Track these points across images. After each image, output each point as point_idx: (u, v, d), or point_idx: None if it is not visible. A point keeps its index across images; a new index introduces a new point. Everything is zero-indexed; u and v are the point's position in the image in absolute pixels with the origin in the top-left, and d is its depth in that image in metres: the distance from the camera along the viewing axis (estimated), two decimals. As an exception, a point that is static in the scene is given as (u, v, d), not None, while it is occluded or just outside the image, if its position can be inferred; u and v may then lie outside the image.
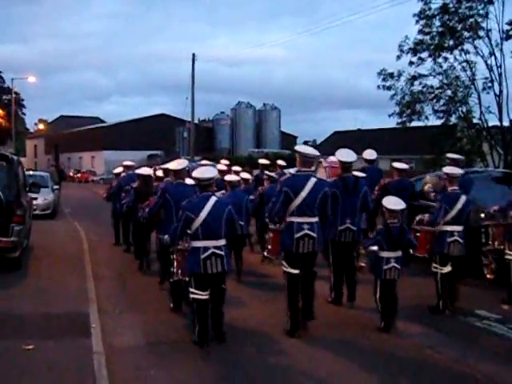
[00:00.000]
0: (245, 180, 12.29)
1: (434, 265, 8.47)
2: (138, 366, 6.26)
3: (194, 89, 43.67)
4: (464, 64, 26.33)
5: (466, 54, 26.19)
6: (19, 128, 66.12)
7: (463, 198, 8.37)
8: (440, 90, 26.95)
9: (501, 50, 25.55)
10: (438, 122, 27.90)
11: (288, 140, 69.04)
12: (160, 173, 11.16)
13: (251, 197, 11.55)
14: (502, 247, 9.00)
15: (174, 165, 8.98)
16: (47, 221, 19.93)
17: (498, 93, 25.85)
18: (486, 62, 25.95)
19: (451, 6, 25.83)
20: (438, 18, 26.29)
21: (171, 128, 63.26)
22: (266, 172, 12.99)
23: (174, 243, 7.41)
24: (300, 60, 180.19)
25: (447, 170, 8.75)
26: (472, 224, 8.91)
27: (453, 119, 27.44)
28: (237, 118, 70.99)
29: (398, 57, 26.87)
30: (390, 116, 28.12)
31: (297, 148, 7.63)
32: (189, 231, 6.88)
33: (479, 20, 25.68)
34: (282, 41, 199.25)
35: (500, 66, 25.74)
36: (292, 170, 9.19)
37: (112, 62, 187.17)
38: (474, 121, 27.26)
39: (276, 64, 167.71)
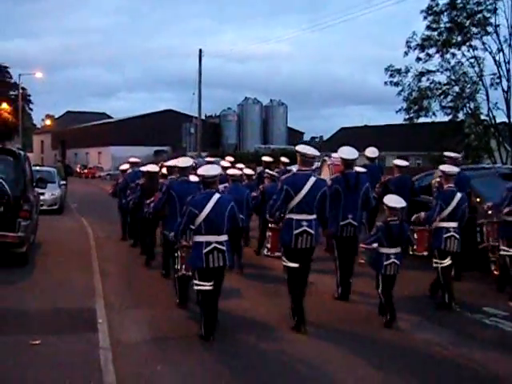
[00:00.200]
0: (248, 176, 12.63)
1: (435, 260, 8.59)
2: (145, 362, 6.26)
3: (201, 84, 43.67)
4: (472, 60, 26.31)
5: (474, 49, 26.18)
6: (26, 123, 66.15)
7: (458, 196, 8.52)
8: (447, 86, 26.91)
9: (509, 45, 25.53)
10: (446, 119, 27.87)
11: (295, 136, 69.02)
12: (164, 170, 11.21)
13: (253, 194, 11.79)
14: (496, 244, 9.17)
15: (178, 162, 9.11)
16: (54, 216, 19.95)
17: (506, 89, 25.82)
18: (494, 57, 25.92)
19: (459, 1, 25.79)
20: (445, 13, 26.22)
21: (178, 124, 63.34)
22: (267, 171, 13.15)
23: (178, 239, 7.53)
24: (307, 56, 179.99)
25: (443, 167, 8.90)
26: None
27: (460, 115, 27.44)
28: (243, 113, 70.94)
29: (406, 53, 26.88)
30: (397, 112, 28.15)
31: (297, 148, 7.78)
32: (192, 226, 7.06)
33: (487, 15, 25.62)
34: (288, 37, 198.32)
35: (508, 62, 25.71)
36: (294, 168, 9.24)
37: (119, 57, 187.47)
38: (482, 117, 27.22)
39: (283, 60, 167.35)
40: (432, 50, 26.50)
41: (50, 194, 21.02)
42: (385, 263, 7.64)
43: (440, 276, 8.54)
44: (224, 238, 7.04)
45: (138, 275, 10.80)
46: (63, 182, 24.28)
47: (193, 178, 8.90)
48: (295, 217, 7.39)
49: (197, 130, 47.97)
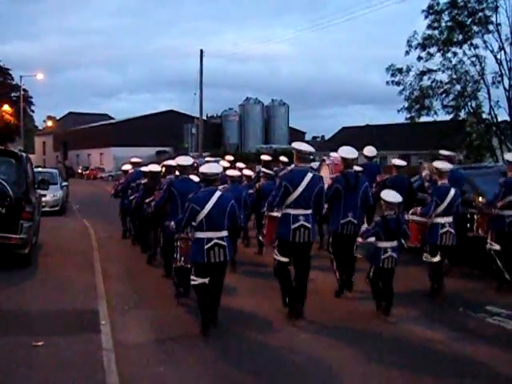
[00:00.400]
0: (247, 176, 12.98)
1: (425, 254, 8.90)
2: (147, 363, 6.27)
3: (203, 85, 43.65)
4: (473, 58, 26.26)
5: (475, 48, 26.11)
6: (28, 125, 66.33)
7: (453, 191, 8.77)
8: (449, 85, 26.86)
9: (511, 44, 25.50)
10: (447, 117, 27.81)
11: (296, 136, 68.82)
12: (163, 169, 11.34)
13: (250, 191, 12.08)
14: (485, 236, 9.43)
15: (179, 161, 9.23)
16: (56, 217, 19.99)
17: (507, 87, 25.76)
18: (495, 56, 25.86)
19: (460, 0, 25.69)
20: (446, 12, 26.17)
21: (179, 124, 63.33)
22: (263, 169, 13.47)
23: (178, 231, 7.71)
24: (308, 56, 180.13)
25: (437, 164, 9.12)
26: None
27: (462, 114, 27.38)
28: (245, 113, 70.89)
29: (407, 52, 26.84)
30: (398, 111, 28.12)
31: (293, 145, 8.07)
32: (193, 223, 7.26)
33: (488, 14, 25.58)
34: (289, 36, 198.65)
35: (510, 60, 25.68)
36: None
37: (120, 58, 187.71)
38: (484, 116, 27.16)
39: (284, 60, 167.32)
40: (433, 49, 26.47)
41: (51, 195, 21.06)
42: (382, 257, 7.88)
43: (432, 271, 8.87)
44: (224, 233, 7.25)
45: (140, 276, 10.81)
46: (65, 184, 24.32)
47: (193, 178, 9.05)
48: (292, 212, 7.67)
49: (198, 131, 47.93)
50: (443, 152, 10.68)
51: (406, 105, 27.54)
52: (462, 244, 9.30)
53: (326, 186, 9.14)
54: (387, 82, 27.59)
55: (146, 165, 13.62)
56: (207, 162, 14.01)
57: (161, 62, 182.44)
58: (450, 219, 8.75)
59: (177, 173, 9.73)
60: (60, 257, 12.16)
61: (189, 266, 7.64)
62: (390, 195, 8.16)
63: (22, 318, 7.52)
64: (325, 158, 12.98)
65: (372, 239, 8.03)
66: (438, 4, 26.21)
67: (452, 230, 8.73)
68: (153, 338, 7.10)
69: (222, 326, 7.47)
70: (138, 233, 13.62)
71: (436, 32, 26.38)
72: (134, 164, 15.31)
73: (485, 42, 25.89)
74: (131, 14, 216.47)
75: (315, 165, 13.39)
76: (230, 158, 16.08)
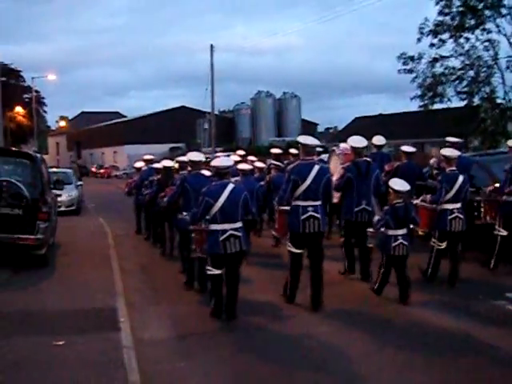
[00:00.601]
0: (259, 168, 13.45)
1: (433, 239, 9.08)
2: (168, 359, 6.27)
3: (214, 80, 43.61)
4: (486, 43, 25.95)
5: (487, 33, 25.82)
6: (41, 126, 66.53)
7: (461, 178, 8.91)
8: (462, 71, 26.59)
9: (524, 27, 25.10)
10: (461, 104, 27.54)
11: (309, 128, 68.75)
12: (176, 165, 11.50)
13: (261, 183, 12.43)
14: (493, 222, 9.63)
15: (190, 157, 9.36)
16: (72, 217, 20.08)
17: (522, 71, 25.41)
18: (508, 40, 25.53)
19: (471, -16, 25.41)
20: (457, -3, 25.87)
21: (192, 120, 63.31)
22: (273, 161, 13.82)
23: (193, 224, 7.90)
24: (318, 47, 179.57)
25: (445, 152, 9.21)
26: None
27: (476, 100, 27.08)
28: (257, 107, 70.79)
29: (419, 39, 26.58)
30: (411, 99, 27.91)
31: (299, 139, 8.29)
32: (207, 216, 7.45)
33: (501, -3, 25.23)
34: (298, 28, 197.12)
35: (524, 44, 25.30)
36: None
37: (130, 56, 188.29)
38: (498, 101, 26.87)
39: (294, 52, 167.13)
40: (445, 36, 26.20)
41: (67, 195, 21.15)
42: (393, 244, 8.01)
43: (432, 255, 9.06)
44: (239, 224, 7.44)
45: (157, 272, 10.84)
46: (80, 183, 24.44)
47: (205, 173, 9.18)
48: (301, 203, 7.84)
49: (211, 126, 47.95)
50: (450, 139, 10.74)
51: (419, 92, 27.34)
52: (472, 231, 9.47)
53: (337, 176, 9.63)
54: (399, 71, 27.40)
55: (159, 161, 13.79)
56: (216, 157, 14.16)
57: (171, 58, 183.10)
58: (458, 205, 8.88)
59: (189, 168, 9.80)
60: (77, 256, 12.20)
61: (204, 256, 7.89)
62: (398, 183, 8.28)
63: (41, 318, 7.54)
64: (334, 148, 13.21)
65: (383, 229, 8.14)
66: (449, -11, 25.95)
67: (461, 216, 8.86)
68: (172, 335, 7.11)
69: (241, 319, 7.49)
70: (152, 227, 13.93)
71: (447, 18, 26.12)
72: (147, 161, 15.45)
73: (497, 26, 25.60)
74: (140, 12, 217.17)
75: (325, 156, 13.46)
76: (242, 152, 16.28)
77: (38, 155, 12.20)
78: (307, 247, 7.98)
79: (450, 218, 8.81)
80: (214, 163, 7.75)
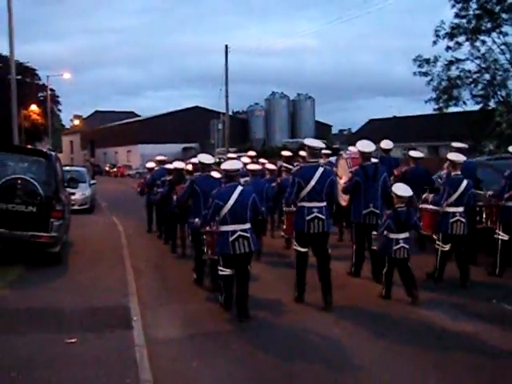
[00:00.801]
0: (270, 170, 13.61)
1: (437, 242, 9.30)
2: (180, 358, 6.27)
3: (228, 80, 43.66)
4: (503, 47, 25.81)
5: (504, 36, 25.67)
6: (55, 124, 66.95)
7: (465, 182, 9.11)
8: (478, 74, 26.48)
9: (541, 30, 24.91)
10: (477, 107, 27.40)
11: (323, 129, 68.76)
12: (190, 167, 11.62)
13: (272, 184, 12.66)
14: (493, 227, 9.75)
15: (200, 159, 9.41)
16: (85, 215, 20.15)
17: (538, 75, 25.23)
18: (525, 43, 25.34)
19: (488, -13, 25.27)
20: (474, 0, 25.75)
21: (206, 120, 63.49)
22: (283, 164, 14.12)
23: (203, 226, 8.14)
24: (333, 48, 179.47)
25: (451, 156, 9.42)
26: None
27: (491, 103, 26.94)
28: (271, 108, 70.82)
29: (435, 42, 26.49)
30: (426, 102, 27.82)
31: (305, 141, 8.55)
32: (217, 218, 7.68)
33: (518, 0, 25.06)
34: (313, 30, 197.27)
35: (540, 47, 25.12)
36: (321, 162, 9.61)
37: (144, 56, 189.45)
38: (514, 104, 26.67)
39: (309, 53, 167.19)
40: (461, 38, 26.09)
41: (80, 193, 21.25)
42: (394, 248, 8.21)
43: (437, 258, 9.24)
44: (248, 225, 7.65)
45: (170, 271, 10.86)
46: (93, 182, 24.54)
47: (215, 174, 9.29)
48: (307, 204, 8.10)
49: (224, 126, 48.00)
50: (455, 144, 10.90)
51: (434, 95, 27.23)
52: (475, 235, 9.76)
53: (345, 179, 10.03)
54: (414, 73, 27.32)
55: (171, 162, 13.97)
56: (229, 158, 14.29)
57: (185, 58, 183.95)
58: (461, 209, 9.09)
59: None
60: (90, 254, 12.25)
61: (216, 257, 8.07)
62: (401, 188, 8.49)
63: (54, 316, 7.56)
64: (342, 152, 13.44)
65: (385, 232, 8.33)
66: (465, -8, 25.82)
67: (463, 220, 9.06)
68: (185, 334, 7.10)
69: (253, 319, 7.51)
70: (164, 226, 14.13)
71: (464, 21, 26.00)
72: (159, 162, 15.71)
73: (514, 29, 25.43)
74: (155, 12, 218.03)
75: (333, 159, 13.58)
76: (253, 153, 16.45)
77: (53, 153, 12.23)
78: (312, 247, 8.24)
79: (451, 221, 9.03)
80: (223, 166, 8.00)
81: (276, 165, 14.84)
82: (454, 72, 26.77)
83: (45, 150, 12.12)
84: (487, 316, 7.62)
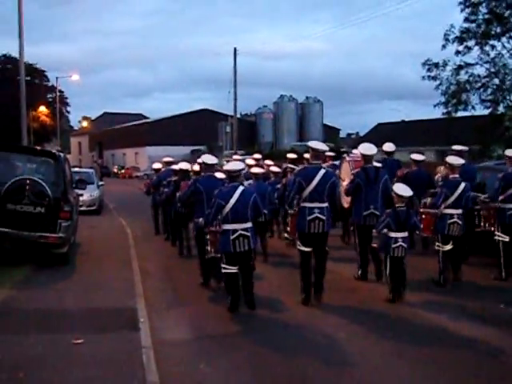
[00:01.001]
0: (274, 173, 13.72)
1: (437, 243, 9.47)
2: (187, 361, 6.26)
3: (236, 83, 43.71)
4: (512, 51, 25.68)
5: (514, 40, 25.54)
6: (64, 126, 67.07)
7: (463, 185, 9.30)
8: (487, 79, 26.42)
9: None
10: (486, 112, 27.32)
11: (331, 133, 68.67)
12: (196, 167, 11.75)
13: (278, 186, 12.94)
14: (492, 229, 9.87)
15: (204, 159, 9.54)
16: (93, 217, 20.20)
17: (547, 80, 25.14)
18: (535, 48, 25.26)
19: (498, -9, 25.21)
20: (484, 4, 25.69)
21: (214, 123, 63.51)
22: (289, 165, 14.23)
23: (207, 225, 8.35)
24: (341, 52, 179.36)
25: (449, 159, 9.58)
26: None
27: (501, 108, 26.87)
28: (279, 111, 70.76)
29: (444, 46, 26.44)
30: (435, 106, 27.80)
31: (309, 143, 8.77)
32: (219, 217, 7.94)
33: (528, 5, 24.99)
34: (321, 33, 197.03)
35: (550, 52, 25.03)
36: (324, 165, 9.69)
37: (153, 58, 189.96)
38: (523, 109, 26.59)
39: (317, 56, 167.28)
40: (471, 43, 26.03)
41: (88, 194, 21.29)
42: (393, 246, 8.38)
43: (439, 259, 9.37)
44: (248, 225, 7.96)
45: (177, 273, 10.87)
46: (101, 183, 24.61)
47: (218, 175, 9.46)
48: (308, 205, 8.29)
49: (233, 129, 48.06)
50: (455, 147, 11.09)
51: (443, 100, 27.17)
52: (474, 238, 10.01)
53: (347, 181, 10.19)
54: (423, 77, 27.27)
55: (177, 163, 13.97)
56: (234, 159, 14.40)
57: (193, 60, 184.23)
58: (458, 211, 9.29)
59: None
60: (98, 255, 12.27)
61: (219, 255, 8.31)
62: (401, 189, 8.69)
63: (61, 316, 7.57)
64: (345, 155, 13.63)
65: (385, 230, 8.47)
66: (474, -4, 25.76)
67: (459, 221, 9.27)
68: (192, 336, 7.10)
69: (260, 321, 7.55)
70: (171, 227, 14.21)
71: (473, 25, 25.94)
72: (166, 163, 15.86)
73: (524, 34, 25.36)
74: (163, 14, 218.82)
75: (337, 162, 13.69)
76: (258, 156, 16.56)
77: (62, 154, 12.26)
78: (312, 246, 8.38)
79: (449, 222, 9.25)
80: (226, 167, 8.37)
81: (281, 167, 14.90)
82: (463, 76, 26.74)
83: (53, 151, 12.15)
84: (492, 319, 7.60)
